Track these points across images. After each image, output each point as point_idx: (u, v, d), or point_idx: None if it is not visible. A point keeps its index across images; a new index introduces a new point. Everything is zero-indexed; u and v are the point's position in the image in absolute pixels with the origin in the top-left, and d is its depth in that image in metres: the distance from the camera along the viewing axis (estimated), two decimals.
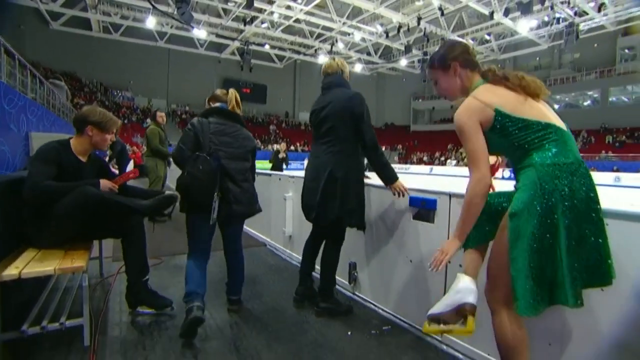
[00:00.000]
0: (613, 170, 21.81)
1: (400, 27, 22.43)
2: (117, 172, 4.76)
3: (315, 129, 2.51)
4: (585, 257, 1.26)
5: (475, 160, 1.42)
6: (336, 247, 2.53)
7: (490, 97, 1.44)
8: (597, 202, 1.28)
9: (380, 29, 24.10)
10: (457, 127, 1.46)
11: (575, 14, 19.64)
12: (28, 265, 1.81)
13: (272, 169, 9.93)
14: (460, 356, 1.97)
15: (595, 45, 26.61)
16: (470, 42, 24.93)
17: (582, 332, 1.51)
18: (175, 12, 17.76)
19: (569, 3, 18.50)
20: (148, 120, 26.87)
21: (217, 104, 2.51)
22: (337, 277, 2.99)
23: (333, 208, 2.33)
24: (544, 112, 1.41)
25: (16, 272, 1.70)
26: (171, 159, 3.40)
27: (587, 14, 20.24)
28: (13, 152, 3.49)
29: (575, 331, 1.53)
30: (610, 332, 1.43)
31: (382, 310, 2.55)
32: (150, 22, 23.82)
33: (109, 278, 3.05)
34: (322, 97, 2.50)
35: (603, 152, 24.56)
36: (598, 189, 1.31)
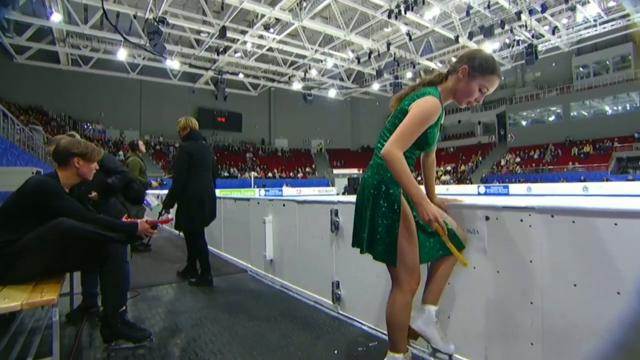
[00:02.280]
0: (581, 181, 22.82)
1: (371, 52, 23.28)
2: None
3: (204, 164, 3.72)
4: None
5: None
6: None
7: None
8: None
9: (351, 55, 24.90)
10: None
11: (533, 36, 21.01)
12: None
13: None
14: None
15: (554, 64, 28.35)
16: (439, 65, 26.14)
17: (581, 331, 1.52)
18: (147, 44, 17.79)
19: (526, 27, 19.77)
20: (120, 152, 26.36)
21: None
22: (320, 297, 2.98)
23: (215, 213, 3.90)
24: None
25: None
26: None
27: (544, 36, 21.69)
28: None
29: (575, 330, 1.55)
30: (610, 332, 1.43)
31: (368, 327, 2.52)
32: (122, 54, 23.69)
33: (81, 315, 2.88)
34: (200, 144, 3.79)
35: (570, 163, 25.71)
36: (569, 199, 1.40)
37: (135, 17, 18.29)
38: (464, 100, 1.71)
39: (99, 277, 2.22)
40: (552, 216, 1.56)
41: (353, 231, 1.81)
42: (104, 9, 15.55)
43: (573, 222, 1.48)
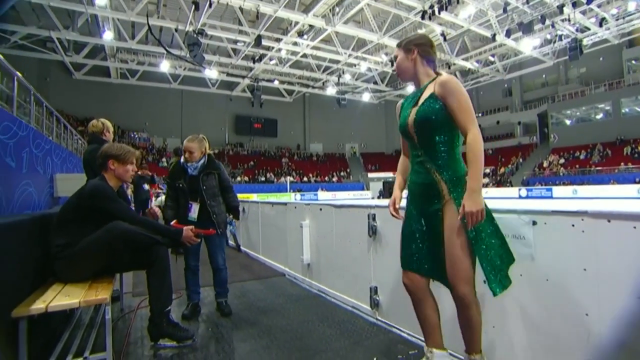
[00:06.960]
0: (636, 182, 21.17)
1: None
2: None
3: None
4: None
5: (474, 118, 1.65)
6: None
7: None
8: None
9: (385, 58, 24.65)
10: (459, 89, 1.64)
11: (577, 30, 19.81)
12: (54, 299, 1.84)
13: None
14: None
15: (601, 58, 26.60)
16: (475, 65, 25.29)
17: (581, 331, 1.47)
18: (188, 55, 18.58)
19: (569, 20, 18.70)
20: (164, 159, 27.62)
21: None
22: (358, 302, 2.95)
23: None
24: None
25: (43, 306, 1.73)
26: None
27: (589, 29, 20.40)
28: (39, 193, 3.62)
29: (575, 329, 1.48)
30: (611, 331, 1.39)
31: (407, 334, 2.47)
32: (164, 66, 24.99)
33: (129, 313, 3.05)
34: None
35: (622, 164, 23.96)
36: (622, 202, 1.35)
37: (176, 30, 19.17)
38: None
39: (146, 277, 2.33)
40: (609, 221, 1.46)
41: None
42: (149, 25, 16.45)
43: (634, 227, 1.38)
